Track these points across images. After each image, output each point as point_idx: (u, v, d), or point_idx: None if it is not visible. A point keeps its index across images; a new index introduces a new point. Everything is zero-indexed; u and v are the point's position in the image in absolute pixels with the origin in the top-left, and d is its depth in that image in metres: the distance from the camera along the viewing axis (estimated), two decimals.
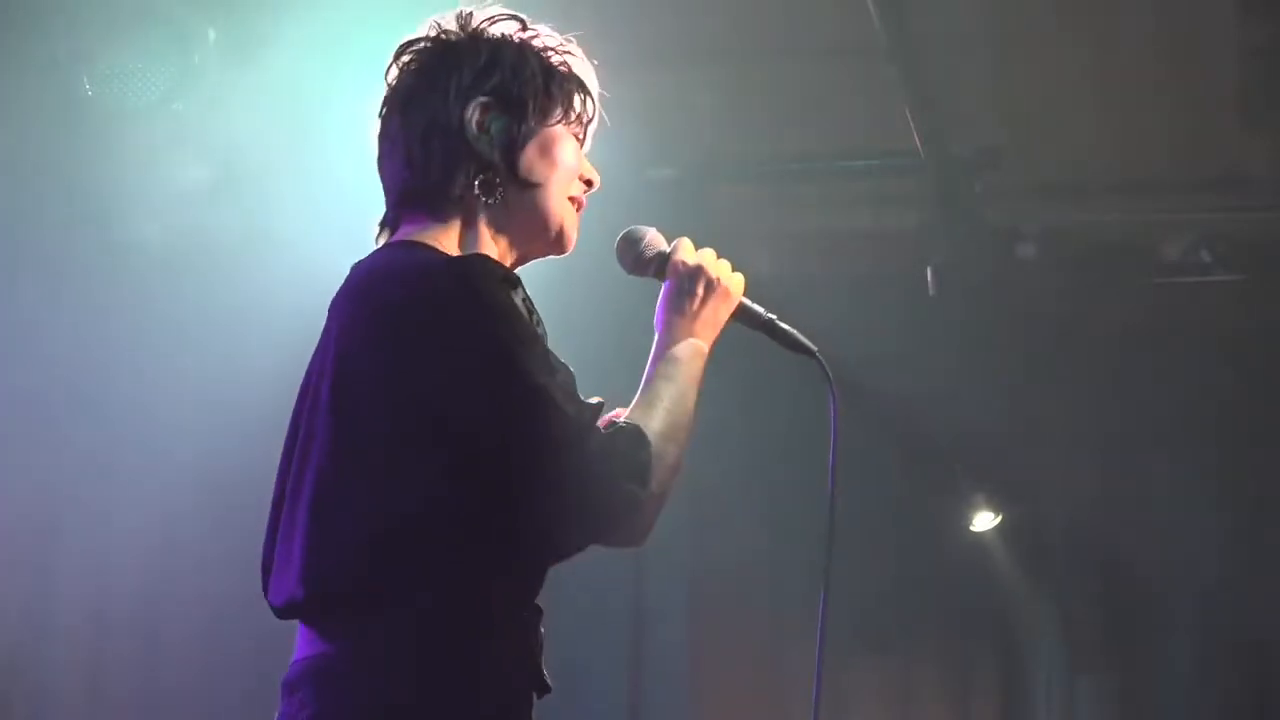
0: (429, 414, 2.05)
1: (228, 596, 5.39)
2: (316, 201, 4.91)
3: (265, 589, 2.18)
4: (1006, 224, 5.97)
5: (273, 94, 4.88)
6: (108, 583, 5.92)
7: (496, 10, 2.29)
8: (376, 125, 2.29)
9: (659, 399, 2.20)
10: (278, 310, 4.53)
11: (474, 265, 2.14)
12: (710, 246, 2.39)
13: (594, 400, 2.14)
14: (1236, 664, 6.50)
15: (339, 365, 2.12)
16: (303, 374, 2.22)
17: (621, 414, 2.20)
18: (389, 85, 2.29)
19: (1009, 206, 5.97)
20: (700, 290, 2.31)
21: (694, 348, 2.28)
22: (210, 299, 5.52)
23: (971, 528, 6.69)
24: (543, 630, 2.17)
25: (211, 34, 4.74)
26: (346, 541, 2.05)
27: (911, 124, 5.41)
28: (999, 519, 6.69)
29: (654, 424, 2.16)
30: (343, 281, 2.22)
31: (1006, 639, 6.79)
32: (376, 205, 2.31)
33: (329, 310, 2.21)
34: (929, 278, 5.90)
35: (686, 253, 2.35)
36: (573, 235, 2.29)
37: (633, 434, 2.12)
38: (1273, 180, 5.84)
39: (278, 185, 5.15)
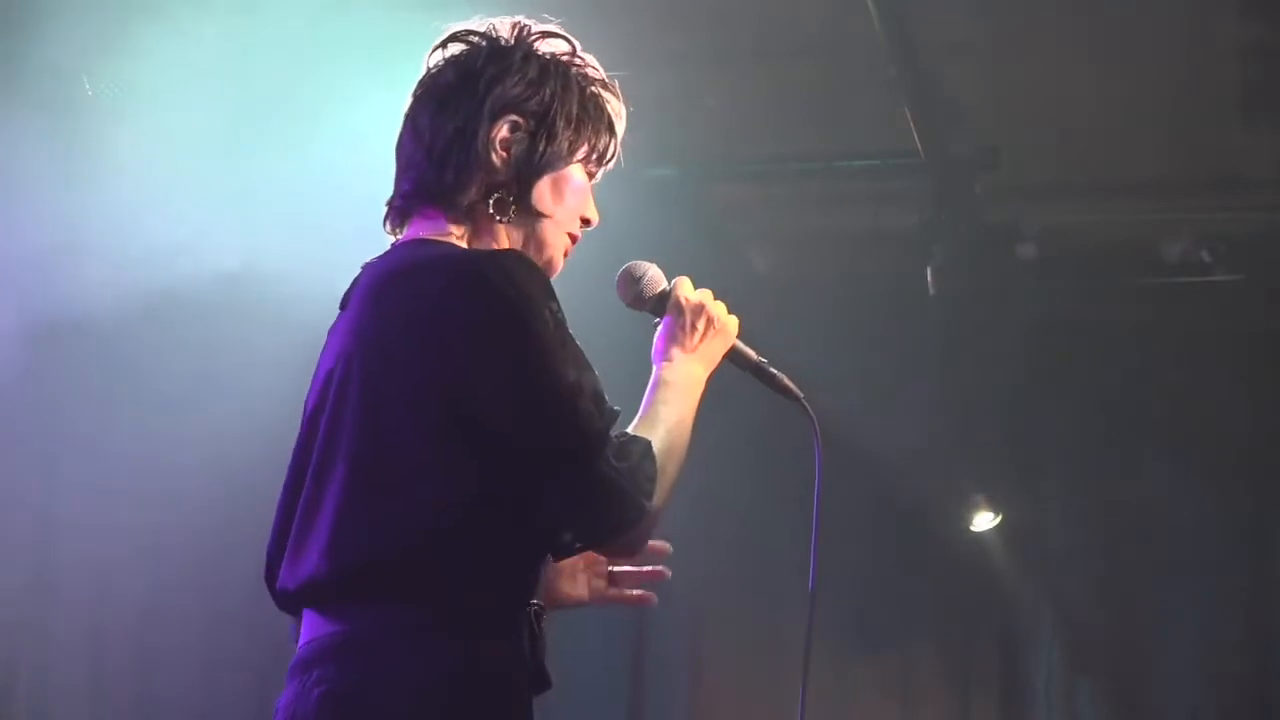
0: (463, 409, 2.09)
1: (228, 598, 5.43)
2: (311, 218, 4.89)
3: (271, 578, 2.21)
4: (1006, 224, 5.97)
5: (270, 97, 4.88)
6: (108, 583, 5.92)
7: (551, 27, 2.31)
8: (407, 103, 2.31)
9: (661, 420, 2.26)
10: (276, 328, 4.54)
11: (513, 260, 2.18)
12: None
13: (615, 407, 2.18)
14: (1236, 664, 6.50)
15: (376, 356, 2.14)
16: (307, 379, 2.24)
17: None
18: (429, 70, 2.31)
19: (1009, 206, 5.97)
20: (702, 326, 2.39)
21: (693, 379, 2.35)
22: (210, 312, 5.51)
23: (971, 528, 6.69)
24: (544, 627, 2.20)
25: (211, 34, 4.74)
26: (376, 528, 2.08)
27: (911, 124, 5.41)
28: (999, 519, 6.69)
29: (658, 442, 2.21)
30: (360, 279, 2.25)
31: (1006, 639, 6.79)
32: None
33: (348, 305, 2.25)
34: (929, 278, 5.90)
35: (689, 290, 2.42)
36: (559, 266, 2.33)
37: (644, 446, 2.18)
38: (1273, 180, 5.85)
39: (271, 198, 5.13)
